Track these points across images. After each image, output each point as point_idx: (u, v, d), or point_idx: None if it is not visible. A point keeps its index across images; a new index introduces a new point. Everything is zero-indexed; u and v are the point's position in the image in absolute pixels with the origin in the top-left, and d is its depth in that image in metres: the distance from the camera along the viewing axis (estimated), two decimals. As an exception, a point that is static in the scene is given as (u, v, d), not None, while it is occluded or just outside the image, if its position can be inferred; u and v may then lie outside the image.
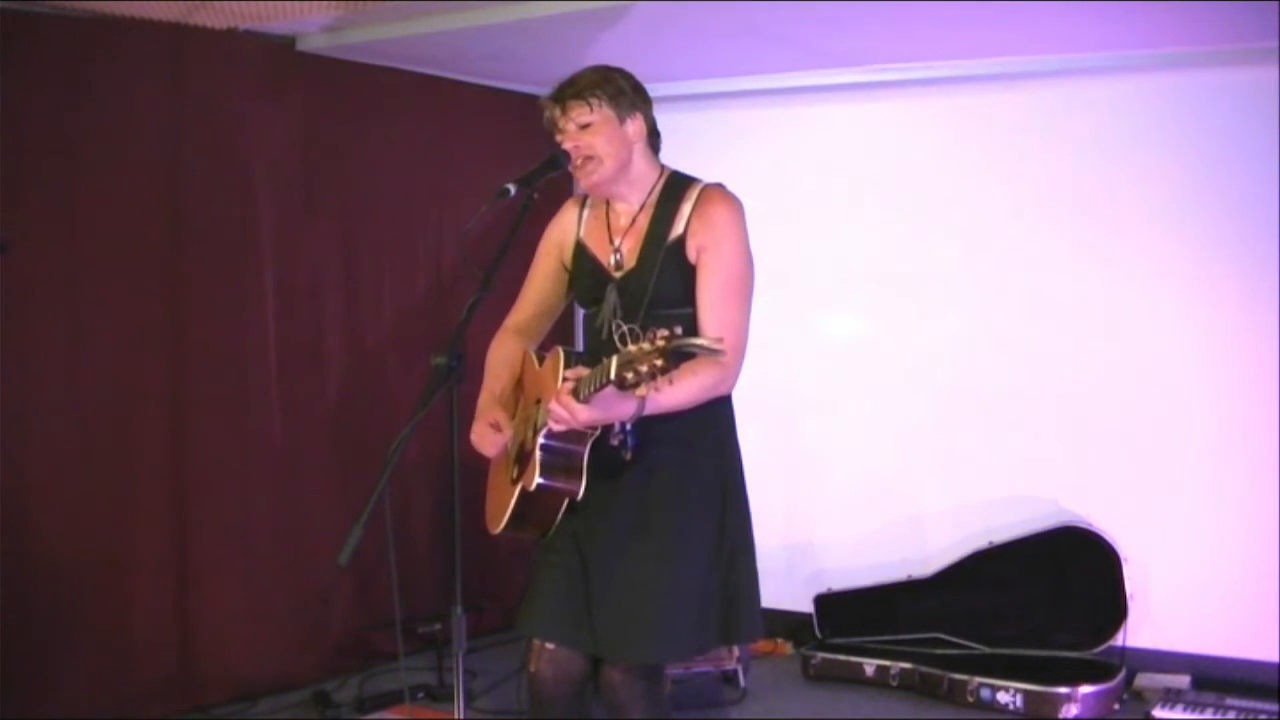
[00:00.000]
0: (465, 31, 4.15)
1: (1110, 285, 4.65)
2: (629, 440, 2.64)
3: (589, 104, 2.69)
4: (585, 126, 2.70)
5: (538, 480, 2.61)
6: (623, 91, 2.72)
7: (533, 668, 2.77)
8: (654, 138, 2.81)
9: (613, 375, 2.32)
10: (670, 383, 2.31)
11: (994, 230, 4.83)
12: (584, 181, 2.76)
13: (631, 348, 2.29)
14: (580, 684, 2.79)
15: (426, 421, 2.43)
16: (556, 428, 2.56)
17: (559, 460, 2.62)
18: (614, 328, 2.73)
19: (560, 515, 2.71)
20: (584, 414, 2.48)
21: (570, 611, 2.71)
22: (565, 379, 2.51)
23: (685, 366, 2.34)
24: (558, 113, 2.73)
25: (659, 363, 2.24)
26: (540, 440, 2.61)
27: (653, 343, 2.24)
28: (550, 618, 2.74)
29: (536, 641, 2.77)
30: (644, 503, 2.70)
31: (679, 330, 2.26)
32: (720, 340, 2.27)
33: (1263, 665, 4.32)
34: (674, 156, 2.87)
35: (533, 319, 2.96)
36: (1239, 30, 4.06)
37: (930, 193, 4.92)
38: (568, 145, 2.72)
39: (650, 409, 2.54)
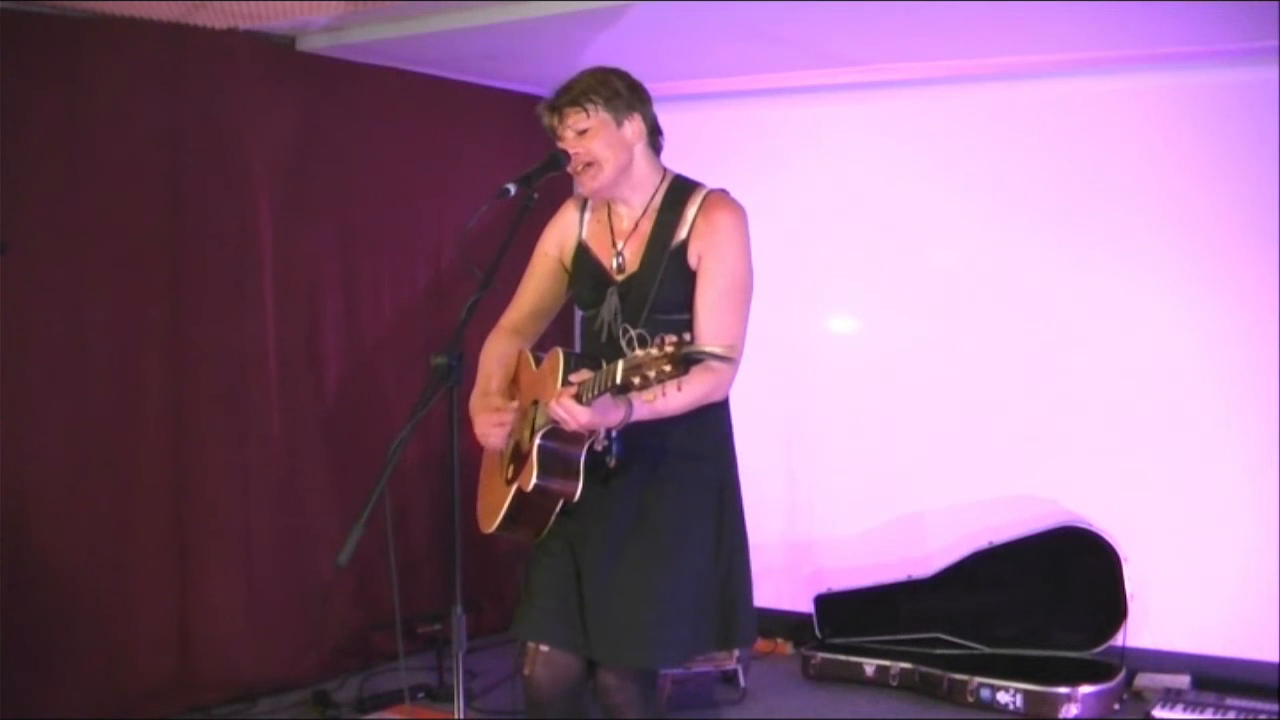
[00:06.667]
0: (465, 31, 4.15)
1: (1110, 285, 4.65)
2: (614, 447, 2.64)
3: (585, 110, 2.69)
4: (583, 133, 2.70)
5: (534, 481, 2.60)
6: (619, 93, 2.71)
7: (528, 671, 2.76)
8: (655, 136, 2.80)
9: (619, 379, 2.32)
10: (679, 389, 2.31)
11: (994, 229, 4.83)
12: (586, 187, 2.76)
13: (639, 353, 2.28)
14: (576, 686, 2.78)
15: (426, 422, 2.43)
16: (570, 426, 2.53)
17: (556, 461, 2.61)
18: (614, 330, 2.72)
19: (554, 517, 2.71)
20: (584, 416, 2.47)
21: (565, 614, 2.71)
22: (570, 382, 2.50)
23: None
24: (555, 120, 2.73)
25: (668, 369, 2.23)
26: (538, 441, 2.60)
27: (661, 348, 2.24)
28: (545, 620, 2.74)
29: (532, 644, 2.76)
30: (641, 506, 2.70)
31: (688, 337, 2.26)
32: (731, 348, 2.26)
33: (1263, 665, 4.32)
34: (672, 156, 2.87)
35: (528, 318, 2.96)
36: (1239, 30, 4.06)
37: (929, 192, 4.91)
38: (567, 151, 2.72)
39: (641, 415, 2.54)
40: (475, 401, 2.83)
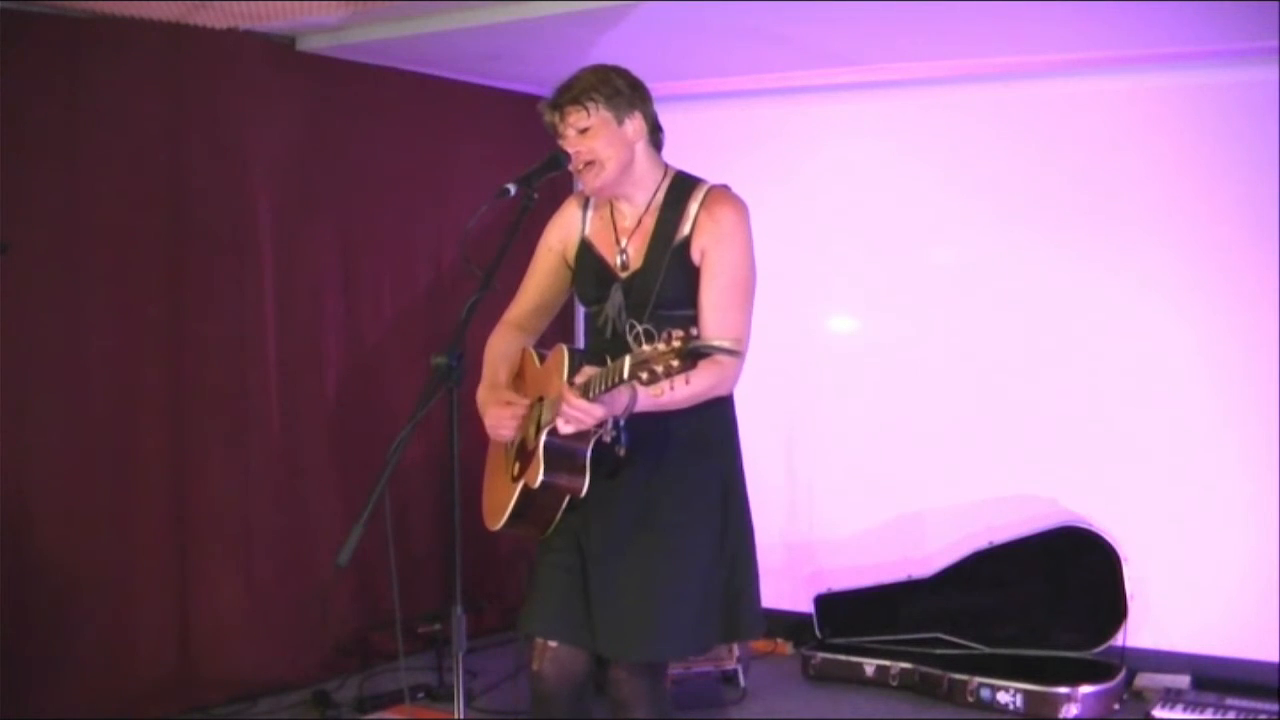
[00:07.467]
0: (465, 31, 4.15)
1: (1110, 285, 4.65)
2: (621, 437, 2.63)
3: (586, 108, 2.69)
4: (584, 131, 2.70)
5: (541, 477, 2.60)
6: (619, 92, 2.71)
7: (536, 666, 2.77)
8: (655, 134, 2.80)
9: (626, 375, 2.31)
10: (686, 383, 2.31)
11: (994, 229, 4.84)
12: (588, 186, 2.77)
13: (645, 348, 2.28)
14: (582, 682, 2.79)
15: (426, 421, 2.43)
16: (565, 429, 2.53)
17: (562, 458, 2.61)
18: (618, 326, 2.73)
19: (560, 513, 2.71)
20: (598, 411, 2.47)
21: (571, 610, 2.72)
22: (575, 382, 2.51)
23: None
24: (556, 118, 2.73)
25: (675, 364, 2.23)
26: (543, 438, 2.60)
27: (668, 343, 2.24)
28: (552, 616, 2.74)
29: (540, 640, 2.77)
30: (646, 501, 2.71)
31: (694, 331, 2.26)
32: (737, 341, 2.26)
33: (1263, 665, 4.32)
34: (673, 156, 2.87)
35: (532, 314, 2.96)
36: (1239, 30, 4.06)
37: (929, 192, 4.92)
38: (569, 150, 2.73)
39: (645, 405, 2.54)
40: (484, 394, 2.82)
